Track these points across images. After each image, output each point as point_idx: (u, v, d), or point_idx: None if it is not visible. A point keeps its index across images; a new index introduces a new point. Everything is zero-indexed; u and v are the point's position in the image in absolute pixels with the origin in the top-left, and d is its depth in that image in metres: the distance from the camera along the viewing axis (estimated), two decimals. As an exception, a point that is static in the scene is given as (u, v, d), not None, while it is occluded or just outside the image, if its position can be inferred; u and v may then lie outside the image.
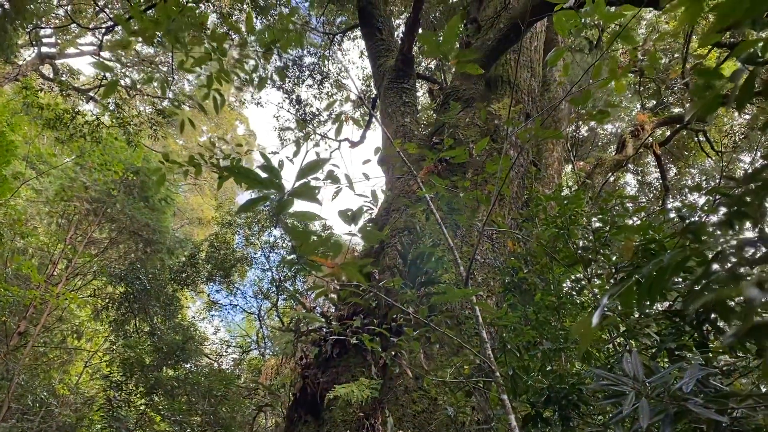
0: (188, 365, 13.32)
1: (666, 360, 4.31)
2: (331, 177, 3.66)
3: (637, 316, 4.82)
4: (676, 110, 15.37)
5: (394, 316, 5.66)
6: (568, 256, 5.58)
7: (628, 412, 2.53)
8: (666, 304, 4.62)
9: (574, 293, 5.89)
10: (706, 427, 2.68)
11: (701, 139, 15.81)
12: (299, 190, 1.87)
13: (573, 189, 15.85)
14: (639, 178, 19.20)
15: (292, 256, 2.19)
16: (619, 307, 4.56)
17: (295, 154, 4.12)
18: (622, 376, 2.74)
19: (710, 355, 3.84)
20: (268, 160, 3.01)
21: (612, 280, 4.97)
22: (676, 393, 2.54)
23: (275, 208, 1.83)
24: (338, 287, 5.74)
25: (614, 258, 5.06)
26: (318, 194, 2.21)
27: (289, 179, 2.10)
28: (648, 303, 1.58)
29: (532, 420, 4.65)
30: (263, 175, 1.99)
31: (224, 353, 18.17)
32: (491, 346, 5.64)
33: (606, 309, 4.79)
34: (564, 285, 6.08)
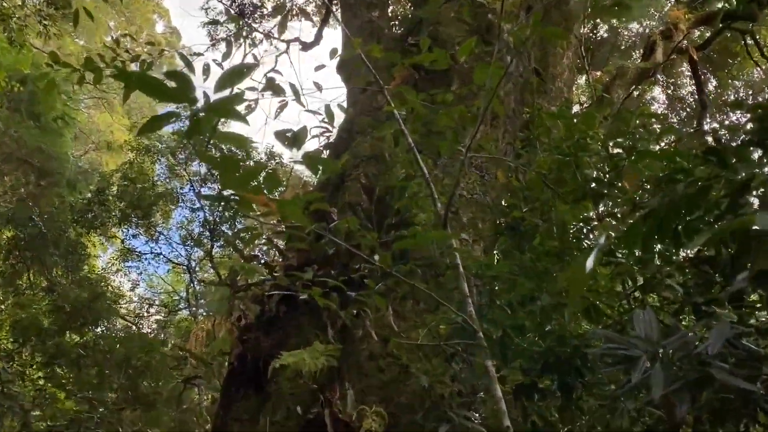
0: (99, 329, 13.35)
1: (692, 318, 4.44)
2: (272, 87, 3.57)
3: (658, 263, 4.93)
4: (719, 5, 15.28)
5: (357, 267, 5.70)
6: (575, 190, 5.63)
7: (639, 381, 2.60)
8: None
9: (581, 236, 5.99)
10: (734, 397, 2.78)
11: (749, 42, 15.80)
12: (218, 105, 1.80)
13: (586, 106, 15.90)
14: (670, 92, 19.31)
15: (217, 192, 2.14)
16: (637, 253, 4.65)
17: (225, 56, 4.00)
18: (633, 338, 2.81)
19: (745, 310, 3.95)
20: (187, 62, 2.91)
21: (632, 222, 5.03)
22: (698, 357, 2.61)
23: (187, 129, 1.76)
24: (284, 230, 5.73)
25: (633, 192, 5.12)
26: (252, 110, 2.12)
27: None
28: (661, 246, 1.58)
29: (526, 391, 4.79)
30: (172, 84, 1.91)
31: (145, 314, 18.24)
32: (476, 302, 5.74)
33: (616, 254, 4.86)
34: (570, 226, 6.16)
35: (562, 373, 4.55)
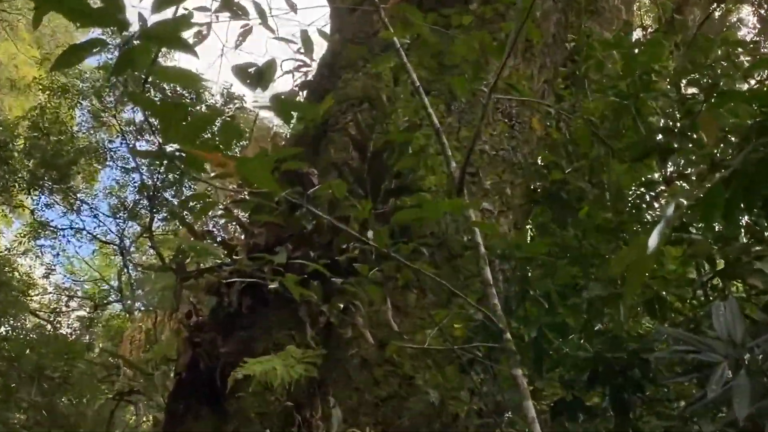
0: (2, 329, 13.40)
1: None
2: (230, 7, 3.57)
3: (745, 241, 4.95)
4: None
5: (344, 247, 5.71)
6: (635, 144, 5.63)
7: (718, 395, 2.63)
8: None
9: (643, 206, 6.01)
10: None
11: None
12: (158, 30, 1.79)
13: (651, 31, 15.81)
14: (763, 12, 19.22)
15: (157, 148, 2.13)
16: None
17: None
18: (711, 339, 2.83)
19: None
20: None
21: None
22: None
23: (116, 62, 1.75)
24: (247, 198, 5.73)
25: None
26: (204, 37, 2.13)
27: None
28: (749, 218, 1.58)
29: (567, 409, 4.84)
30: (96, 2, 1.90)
31: (64, 309, 18.31)
32: (503, 293, 5.77)
33: (689, 229, 4.89)
34: (628, 193, 6.18)
35: (616, 385, 4.60)
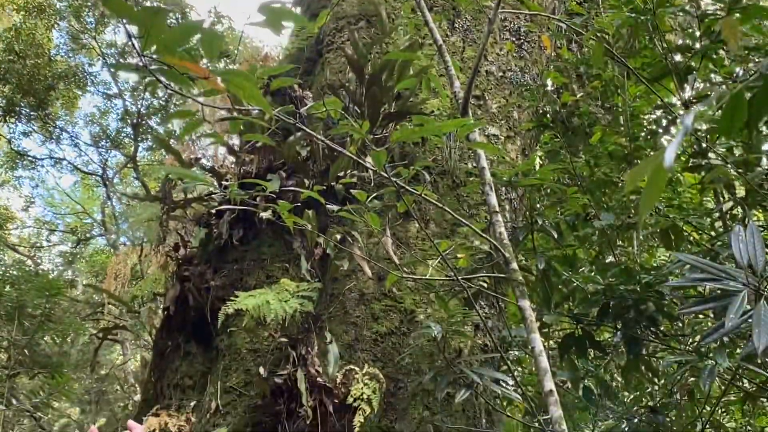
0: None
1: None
2: None
3: None
4: None
5: (340, 174, 5.69)
6: (652, 63, 5.57)
7: (736, 325, 2.62)
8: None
9: (660, 131, 5.97)
10: None
11: None
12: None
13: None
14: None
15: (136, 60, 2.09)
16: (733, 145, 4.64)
17: None
18: (730, 268, 2.82)
19: None
20: None
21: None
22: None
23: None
24: (236, 117, 5.67)
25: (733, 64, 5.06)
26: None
27: None
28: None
29: (577, 344, 4.86)
30: None
31: (45, 243, 18.34)
32: (510, 222, 5.77)
33: (708, 154, 4.87)
34: (643, 117, 6.14)
35: (628, 320, 4.60)
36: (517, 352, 5.74)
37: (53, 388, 11.94)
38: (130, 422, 1.56)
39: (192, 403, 5.48)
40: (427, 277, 4.81)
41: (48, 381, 11.60)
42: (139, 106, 14.34)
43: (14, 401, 11.02)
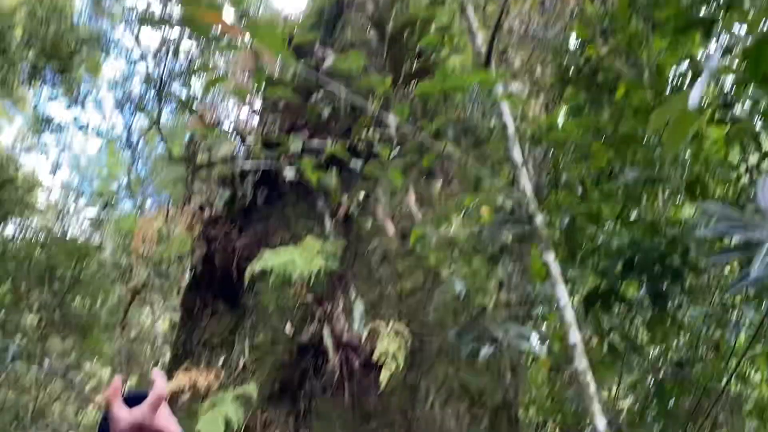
0: (9, 229, 13.56)
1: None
2: None
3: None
4: None
5: (363, 132, 5.68)
6: (677, 16, 5.50)
7: (762, 276, 2.60)
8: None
9: (685, 85, 5.90)
10: None
11: None
12: None
13: None
14: None
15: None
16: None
17: None
18: (757, 217, 2.79)
19: None
20: None
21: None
22: None
23: None
24: (259, 71, 5.67)
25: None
26: None
27: None
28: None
29: (602, 299, 4.85)
30: None
31: (72, 209, 18.45)
32: (534, 179, 5.75)
33: (733, 106, 4.83)
34: (668, 71, 6.07)
35: (654, 274, 4.59)
36: (541, 306, 5.74)
37: (84, 349, 12.09)
38: (155, 370, 1.60)
39: (220, 361, 5.54)
40: (450, 234, 4.82)
41: (79, 342, 11.75)
42: (161, 70, 14.29)
43: (46, 362, 11.17)
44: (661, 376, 5.26)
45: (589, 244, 5.05)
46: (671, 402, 5.74)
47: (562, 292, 3.27)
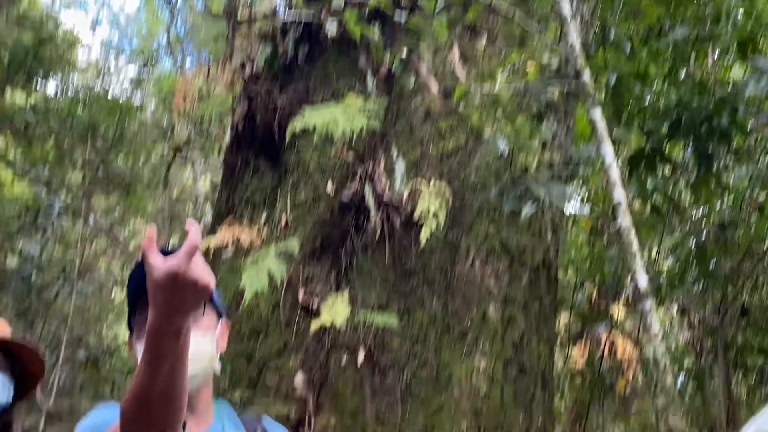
0: (51, 86, 13.60)
1: None
2: None
3: None
4: None
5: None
6: None
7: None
8: None
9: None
10: None
11: None
12: None
13: None
14: None
15: None
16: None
17: None
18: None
19: None
20: None
21: None
22: None
23: None
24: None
25: None
26: None
27: None
28: None
29: (647, 159, 4.79)
30: None
31: (112, 67, 18.44)
32: (582, 36, 5.61)
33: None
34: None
35: (700, 135, 4.51)
36: (585, 165, 5.69)
37: (127, 207, 12.28)
38: (189, 221, 1.60)
39: (263, 217, 5.59)
40: (494, 92, 4.75)
41: (122, 199, 11.91)
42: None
43: (91, 218, 11.37)
44: (703, 238, 5.24)
45: (635, 104, 4.96)
46: (712, 263, 5.74)
47: (608, 149, 3.23)
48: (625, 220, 3.02)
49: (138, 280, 2.20)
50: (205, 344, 2.28)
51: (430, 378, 4.72)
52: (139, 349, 2.10)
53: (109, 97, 13.92)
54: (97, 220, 11.79)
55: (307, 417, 4.38)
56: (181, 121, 11.60)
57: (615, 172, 3.14)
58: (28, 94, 12.74)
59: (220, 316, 2.43)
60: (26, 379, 4.27)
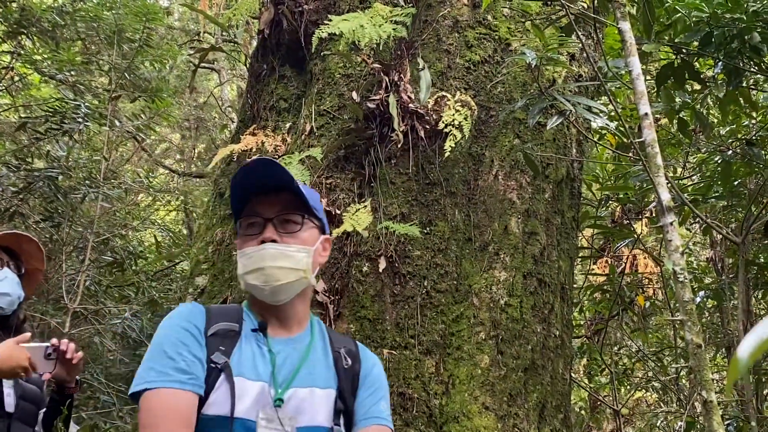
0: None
1: None
2: None
3: None
4: None
5: None
6: None
7: None
8: None
9: None
10: None
11: None
12: None
13: None
14: None
15: None
16: None
17: None
18: None
19: None
20: None
21: None
22: None
23: None
24: None
25: None
26: None
27: None
28: None
29: (675, 73, 4.75)
30: None
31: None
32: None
33: None
34: None
35: (731, 50, 4.46)
36: (612, 84, 5.63)
37: (153, 112, 12.28)
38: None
39: (287, 125, 5.60)
40: (524, 2, 4.69)
41: (149, 105, 11.91)
42: None
43: (117, 123, 11.39)
44: (729, 154, 5.20)
45: (667, 17, 4.88)
46: (737, 182, 5.72)
47: (635, 63, 3.20)
48: (650, 133, 3.00)
49: (239, 186, 2.46)
50: (301, 257, 2.41)
51: (450, 288, 4.77)
52: (242, 251, 2.44)
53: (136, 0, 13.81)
54: (123, 124, 11.80)
55: (327, 323, 4.44)
56: (207, 28, 11.55)
57: (641, 85, 3.11)
58: (55, -5, 12.68)
59: (323, 232, 2.57)
60: (30, 275, 4.41)
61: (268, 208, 2.44)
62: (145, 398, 2.23)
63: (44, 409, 4.13)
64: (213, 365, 2.29)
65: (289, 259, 2.37)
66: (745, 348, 0.81)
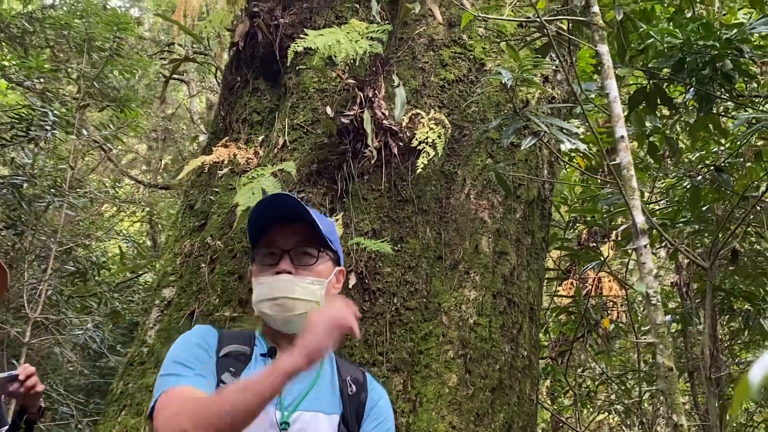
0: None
1: None
2: None
3: None
4: None
5: None
6: None
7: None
8: None
9: None
10: None
11: None
12: None
13: None
14: None
15: None
16: None
17: None
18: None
19: None
20: None
21: None
22: None
23: None
24: None
25: None
26: None
27: None
28: None
29: (647, 98, 4.80)
30: None
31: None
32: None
33: None
34: None
35: (703, 76, 4.52)
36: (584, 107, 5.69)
37: (122, 122, 12.20)
38: None
39: (260, 138, 5.59)
40: (504, 18, 4.72)
41: (117, 114, 11.84)
42: None
43: (84, 131, 11.31)
44: (698, 180, 5.26)
45: (640, 42, 4.94)
46: (705, 207, 5.78)
47: (612, 86, 3.23)
48: (625, 156, 3.03)
49: (258, 216, 2.56)
50: (315, 290, 2.50)
51: (419, 306, 4.77)
52: (258, 279, 2.52)
53: (107, 6, 13.75)
54: (90, 133, 11.72)
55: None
56: (179, 39, 11.52)
57: (618, 108, 3.14)
58: (26, 1, 12.60)
59: (337, 263, 2.66)
60: None
61: (286, 240, 2.53)
62: (160, 399, 2.25)
63: (6, 427, 4.07)
64: (222, 385, 2.34)
65: (303, 291, 2.46)
66: (757, 372, 0.82)
